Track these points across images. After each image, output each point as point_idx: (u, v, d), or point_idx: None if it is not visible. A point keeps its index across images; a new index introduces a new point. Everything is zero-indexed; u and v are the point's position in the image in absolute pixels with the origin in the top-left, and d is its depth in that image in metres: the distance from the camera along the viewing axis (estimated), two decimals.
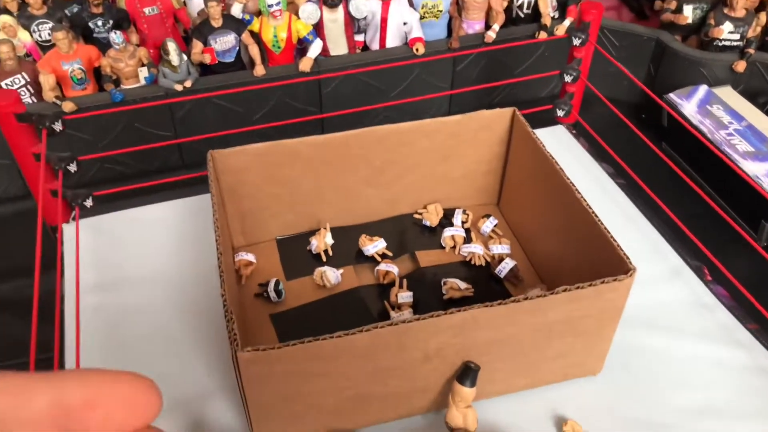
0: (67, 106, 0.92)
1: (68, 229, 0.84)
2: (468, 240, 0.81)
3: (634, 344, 0.71)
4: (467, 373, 0.59)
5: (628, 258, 0.60)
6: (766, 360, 0.69)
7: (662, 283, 0.77)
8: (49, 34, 1.02)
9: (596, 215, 0.64)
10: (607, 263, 0.62)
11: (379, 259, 0.78)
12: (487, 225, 0.82)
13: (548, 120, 1.03)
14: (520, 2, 1.13)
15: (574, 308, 0.59)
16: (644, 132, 1.01)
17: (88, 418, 0.17)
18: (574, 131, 1.01)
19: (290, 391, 0.56)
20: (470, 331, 0.57)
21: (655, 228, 0.85)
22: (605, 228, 0.63)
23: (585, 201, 0.66)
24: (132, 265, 0.79)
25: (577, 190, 0.67)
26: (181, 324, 0.72)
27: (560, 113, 0.98)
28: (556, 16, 1.15)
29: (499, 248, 0.79)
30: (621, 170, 0.94)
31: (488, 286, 0.76)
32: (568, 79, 0.95)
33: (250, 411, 0.57)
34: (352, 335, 0.53)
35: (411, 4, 1.07)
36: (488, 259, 0.78)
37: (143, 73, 1.00)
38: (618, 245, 0.61)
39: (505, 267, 0.75)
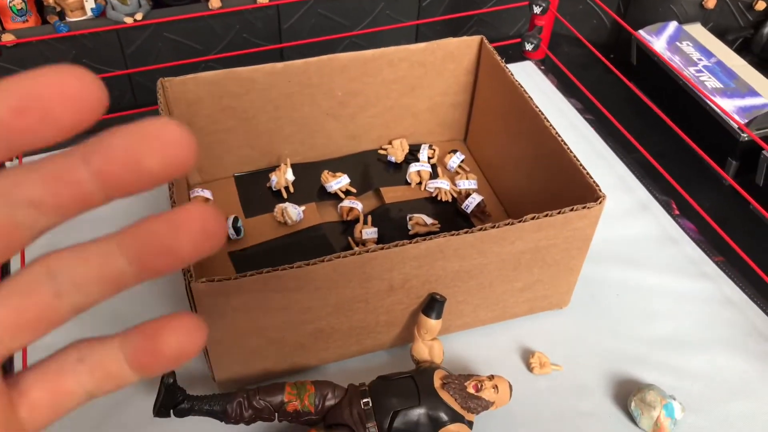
0: (7, 38, 0.86)
1: None
2: (434, 176, 0.78)
3: (602, 278, 0.70)
4: (433, 305, 0.57)
5: (597, 186, 0.58)
6: (732, 291, 0.69)
7: (630, 218, 0.76)
8: None
9: (566, 143, 0.62)
10: (576, 194, 0.60)
11: (342, 195, 0.75)
12: (454, 160, 0.79)
13: (516, 57, 1.00)
14: None
15: (542, 237, 0.57)
16: (611, 74, 0.99)
17: (22, 126, 0.16)
18: (542, 67, 0.98)
19: (249, 326, 0.53)
20: (436, 261, 0.55)
21: (624, 163, 0.84)
22: (575, 156, 0.61)
23: (554, 129, 0.63)
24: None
25: (546, 118, 0.65)
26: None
27: (528, 47, 0.95)
28: None
29: (466, 183, 0.77)
30: (590, 106, 0.92)
31: (455, 221, 0.74)
32: (537, 10, 0.92)
33: (207, 348, 0.54)
34: (314, 265, 0.51)
35: None
36: (455, 195, 0.76)
37: (90, 4, 0.94)
38: (588, 173, 0.59)
39: (471, 202, 0.73)
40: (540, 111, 0.65)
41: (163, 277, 0.67)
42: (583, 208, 0.56)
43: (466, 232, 0.54)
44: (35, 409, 0.19)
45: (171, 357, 0.18)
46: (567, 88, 0.95)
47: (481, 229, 0.54)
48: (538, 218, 0.55)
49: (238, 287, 0.50)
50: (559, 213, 0.56)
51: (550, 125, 0.64)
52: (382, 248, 0.52)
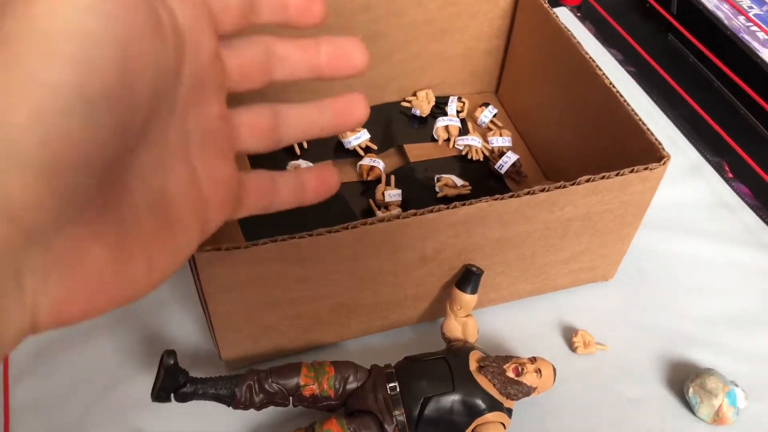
0: None
1: None
2: (464, 131, 0.71)
3: (650, 248, 0.63)
4: (468, 278, 0.51)
5: (660, 144, 0.50)
6: None
7: (679, 181, 0.69)
8: None
9: (621, 95, 0.54)
10: (632, 153, 0.53)
11: (362, 152, 0.68)
12: (486, 115, 0.72)
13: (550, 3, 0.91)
14: None
15: (596, 202, 0.50)
16: (649, 22, 0.90)
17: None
18: (578, 14, 0.90)
19: (260, 300, 0.47)
20: (475, 228, 0.48)
21: (670, 120, 0.76)
22: (632, 109, 0.53)
23: (608, 79, 0.56)
24: None
25: (598, 66, 0.57)
26: None
27: None
28: None
29: (500, 141, 0.69)
30: (631, 57, 0.84)
31: (487, 183, 0.67)
32: None
33: (213, 324, 0.48)
34: (336, 233, 0.44)
35: None
36: (487, 153, 0.69)
37: None
38: (648, 129, 0.52)
39: (506, 162, 0.66)
40: (591, 58, 0.57)
41: None
42: (645, 169, 0.49)
43: (511, 196, 0.46)
44: (249, 199, 0.31)
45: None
46: (606, 38, 0.86)
47: (529, 193, 0.47)
48: (593, 180, 0.48)
49: (249, 257, 0.43)
50: (617, 175, 0.48)
51: (603, 74, 0.56)
52: (416, 214, 0.45)
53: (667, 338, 0.57)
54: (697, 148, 0.73)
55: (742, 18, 0.90)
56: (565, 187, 0.47)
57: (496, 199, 0.46)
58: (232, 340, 0.50)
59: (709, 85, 0.83)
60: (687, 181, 0.69)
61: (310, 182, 0.31)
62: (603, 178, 0.48)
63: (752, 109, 0.80)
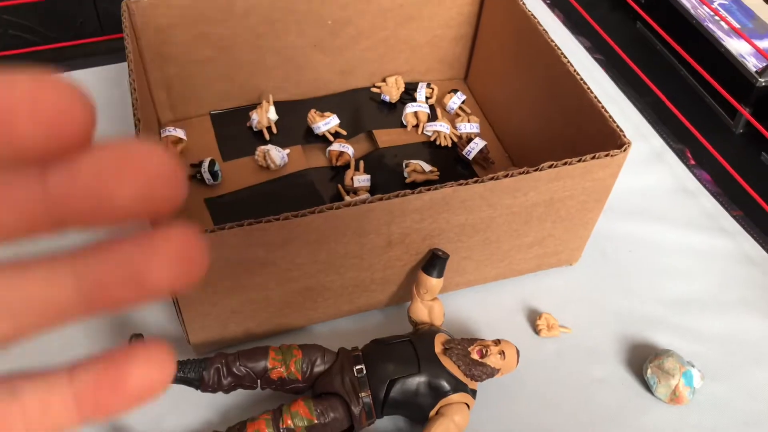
0: None
1: None
2: (432, 118, 0.71)
3: (613, 232, 0.64)
4: (434, 262, 0.51)
5: (621, 131, 0.51)
6: (752, 248, 0.64)
7: (642, 167, 0.70)
8: None
9: (585, 82, 0.55)
10: (595, 140, 0.54)
11: (331, 138, 0.68)
12: (454, 101, 0.72)
13: None
14: None
15: (559, 187, 0.51)
16: (618, 11, 0.92)
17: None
18: (548, 1, 0.90)
19: (227, 284, 0.47)
20: (440, 214, 0.49)
21: (636, 109, 0.77)
22: (595, 97, 0.54)
23: (572, 67, 0.57)
24: None
25: (563, 54, 0.58)
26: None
27: None
28: None
29: (468, 127, 0.70)
30: (599, 45, 0.85)
31: (455, 169, 0.67)
32: None
33: (181, 309, 0.48)
34: (303, 217, 0.44)
35: None
36: (455, 139, 0.69)
37: None
38: (610, 116, 0.53)
39: (474, 147, 0.67)
40: (557, 46, 0.58)
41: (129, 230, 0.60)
42: (606, 155, 0.50)
43: (475, 182, 0.47)
44: None
45: (134, 394, 0.15)
46: (574, 26, 0.87)
47: (492, 179, 0.48)
48: (556, 166, 0.49)
49: (215, 241, 0.43)
50: (579, 161, 0.49)
51: (568, 62, 0.57)
52: (381, 199, 0.45)
53: (629, 321, 0.58)
54: (661, 136, 0.75)
55: (706, 8, 0.92)
56: (528, 173, 0.48)
57: (460, 185, 0.47)
58: (199, 325, 0.50)
59: (674, 74, 0.85)
60: (650, 168, 0.71)
61: (85, 393, 0.15)
62: (565, 164, 0.49)
63: (716, 98, 0.82)
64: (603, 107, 0.53)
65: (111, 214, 0.13)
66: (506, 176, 0.48)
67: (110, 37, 0.77)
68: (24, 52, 0.78)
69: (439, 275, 0.52)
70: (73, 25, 0.89)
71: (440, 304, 0.53)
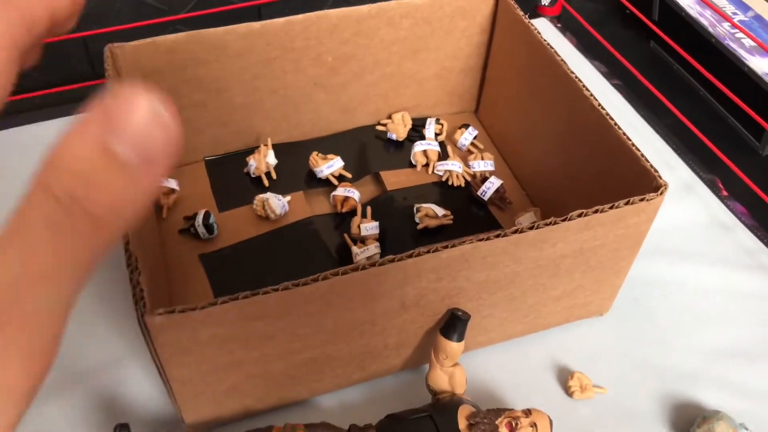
0: None
1: None
2: (443, 156, 0.66)
3: (645, 276, 0.59)
4: (454, 324, 0.46)
5: (656, 171, 0.46)
6: None
7: (673, 202, 0.65)
8: None
9: (611, 117, 0.50)
10: (624, 178, 0.49)
11: (335, 182, 0.63)
12: (466, 137, 0.67)
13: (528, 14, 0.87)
14: None
15: (589, 237, 0.46)
16: (630, 29, 0.87)
17: None
18: (558, 24, 0.86)
19: (223, 361, 0.42)
20: (459, 272, 0.44)
21: (659, 136, 0.72)
22: (624, 133, 0.49)
23: (596, 100, 0.52)
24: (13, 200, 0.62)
25: (584, 86, 0.53)
26: None
27: (544, 2, 0.83)
28: None
29: (482, 165, 0.65)
30: (615, 69, 0.80)
31: (470, 211, 0.62)
32: None
33: (173, 388, 0.43)
34: (305, 286, 0.39)
35: None
36: (468, 179, 0.64)
37: None
38: (642, 154, 0.48)
39: (489, 187, 0.62)
40: (576, 77, 0.53)
41: (115, 293, 0.55)
42: (641, 200, 0.45)
43: (497, 236, 0.42)
44: None
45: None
46: (588, 49, 0.83)
47: (516, 231, 0.42)
48: (586, 215, 0.44)
49: (206, 318, 0.38)
50: (612, 208, 0.44)
51: (591, 95, 0.52)
52: (393, 260, 0.40)
53: (669, 376, 0.53)
54: (689, 165, 0.69)
55: (726, 25, 0.87)
56: (555, 223, 0.43)
57: (480, 240, 0.42)
58: (194, 404, 0.45)
59: (692, 94, 0.80)
60: (680, 202, 0.66)
61: None
62: (596, 212, 0.44)
63: (741, 120, 0.77)
64: (633, 144, 0.48)
65: None
66: (531, 228, 0.43)
67: (97, 82, 0.73)
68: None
69: (460, 338, 0.46)
70: (64, 66, 0.85)
71: (462, 371, 0.47)
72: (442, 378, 0.47)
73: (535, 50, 0.58)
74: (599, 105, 0.51)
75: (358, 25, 0.60)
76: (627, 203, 0.45)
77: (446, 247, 0.41)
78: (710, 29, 0.86)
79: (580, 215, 0.44)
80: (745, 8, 0.89)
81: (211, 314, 0.38)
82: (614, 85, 0.78)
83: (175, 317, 0.37)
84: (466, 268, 0.43)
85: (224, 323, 0.39)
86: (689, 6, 0.89)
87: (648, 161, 0.47)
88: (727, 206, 0.66)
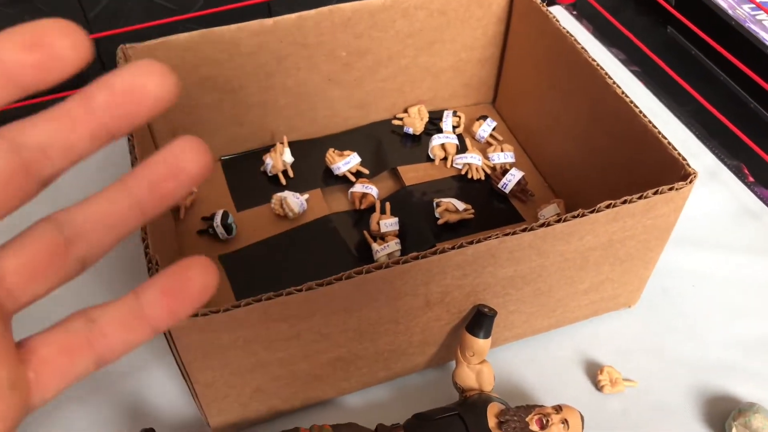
0: None
1: None
2: (462, 149, 0.65)
3: (673, 266, 0.58)
4: (480, 321, 0.45)
5: (684, 159, 0.45)
6: None
7: (699, 189, 0.64)
8: None
9: (635, 104, 0.49)
10: (650, 166, 0.48)
11: (352, 178, 0.62)
12: (484, 129, 0.66)
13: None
14: None
15: (618, 228, 0.45)
16: (646, 15, 0.85)
17: (32, 62, 0.16)
18: (574, 12, 0.84)
19: (247, 363, 0.41)
20: (485, 268, 0.43)
21: (682, 123, 0.71)
22: (649, 121, 0.48)
23: (619, 88, 0.50)
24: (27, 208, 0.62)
25: (607, 74, 0.51)
26: (98, 283, 0.55)
27: None
28: None
29: (502, 157, 0.64)
30: (633, 56, 0.78)
31: (491, 204, 0.61)
32: None
33: (197, 393, 0.42)
34: (329, 285, 0.38)
35: None
36: (488, 171, 0.63)
37: None
38: (669, 142, 0.46)
39: (510, 179, 0.61)
40: (598, 64, 0.52)
41: None
42: (670, 189, 0.43)
43: (524, 230, 0.41)
44: (43, 368, 0.18)
45: (197, 293, 0.18)
46: (605, 36, 0.81)
47: (543, 225, 0.41)
48: (614, 206, 0.43)
49: (230, 321, 0.37)
50: (640, 198, 0.43)
51: (614, 82, 0.51)
52: (417, 257, 0.40)
53: (702, 368, 0.51)
54: (713, 151, 0.68)
55: (746, 7, 0.85)
56: (583, 215, 0.42)
57: (506, 234, 0.41)
58: (219, 407, 0.44)
59: (714, 79, 0.78)
60: (706, 189, 0.64)
61: (156, 302, 0.18)
62: (624, 202, 0.43)
63: (764, 104, 0.75)
64: (660, 132, 0.47)
65: (145, 107, 0.17)
66: (559, 221, 0.42)
67: None
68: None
69: (486, 335, 0.45)
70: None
71: (489, 367, 0.46)
72: (469, 375, 0.46)
73: (554, 38, 0.56)
74: (623, 93, 0.50)
75: (372, 18, 0.59)
76: (656, 193, 0.43)
77: (471, 242, 0.40)
78: (729, 12, 0.84)
79: (608, 206, 0.43)
80: None
81: (234, 317, 0.37)
82: (633, 72, 0.76)
83: (198, 320, 0.37)
84: (492, 263, 0.42)
85: (248, 325, 0.38)
86: None
87: (675, 149, 0.46)
88: (754, 192, 0.64)
